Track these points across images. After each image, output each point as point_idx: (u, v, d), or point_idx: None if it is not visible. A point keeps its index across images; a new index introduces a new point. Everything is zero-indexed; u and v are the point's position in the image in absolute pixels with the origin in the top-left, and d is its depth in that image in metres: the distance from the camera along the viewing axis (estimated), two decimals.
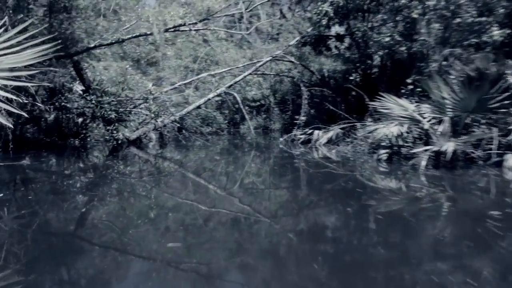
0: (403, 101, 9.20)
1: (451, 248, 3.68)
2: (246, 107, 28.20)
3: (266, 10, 32.82)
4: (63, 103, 11.22)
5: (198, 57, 22.01)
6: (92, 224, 4.49)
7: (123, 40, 10.40)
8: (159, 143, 13.41)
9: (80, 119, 11.71)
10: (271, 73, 22.31)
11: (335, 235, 4.27)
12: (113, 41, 10.36)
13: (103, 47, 10.87)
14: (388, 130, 8.58)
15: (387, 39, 11.62)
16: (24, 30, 7.10)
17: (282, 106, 16.50)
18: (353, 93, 13.32)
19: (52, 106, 11.30)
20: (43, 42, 9.48)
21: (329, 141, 12.15)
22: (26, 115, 6.30)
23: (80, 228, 4.30)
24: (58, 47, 9.99)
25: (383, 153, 8.48)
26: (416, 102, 9.49)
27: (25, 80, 5.37)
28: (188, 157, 10.91)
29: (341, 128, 11.94)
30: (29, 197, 5.55)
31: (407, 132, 8.68)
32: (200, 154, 11.53)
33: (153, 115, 10.93)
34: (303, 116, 13.43)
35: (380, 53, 11.95)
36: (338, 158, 9.80)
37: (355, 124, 11.33)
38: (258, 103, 27.75)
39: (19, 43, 5.01)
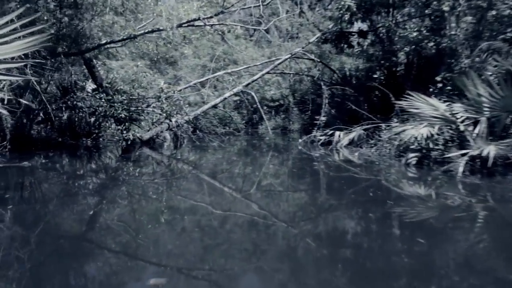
0: (433, 100, 8.41)
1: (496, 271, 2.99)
2: (265, 107, 27.58)
3: (285, 8, 32.20)
4: (75, 102, 10.83)
5: (216, 56, 21.48)
6: (99, 232, 3.97)
7: (135, 37, 9.92)
8: (173, 143, 12.91)
9: (93, 118, 11.29)
10: (291, 72, 21.65)
11: (357, 245, 3.74)
12: (125, 38, 9.90)
13: (115, 43, 10.41)
14: (417, 131, 7.81)
15: (414, 34, 10.83)
16: (32, 24, 6.65)
17: (302, 106, 15.83)
18: (377, 92, 12.56)
19: (64, 105, 10.93)
20: (49, 39, 9.11)
21: (351, 143, 11.42)
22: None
23: (86, 235, 3.79)
24: (65, 43, 9.67)
25: (412, 157, 7.72)
26: (446, 101, 8.70)
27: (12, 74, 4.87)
28: (202, 158, 10.37)
29: (364, 129, 11.19)
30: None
31: (438, 134, 7.89)
32: (215, 155, 10.98)
33: (166, 114, 10.42)
34: (324, 116, 12.72)
35: (406, 49, 11.14)
36: (361, 161, 9.08)
37: (380, 125, 10.57)
38: (277, 103, 27.08)
39: (11, 32, 4.49)
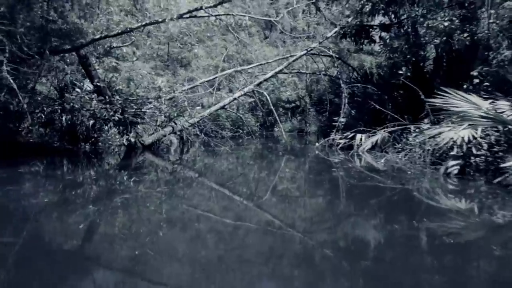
0: (474, 97, 7.07)
1: None
2: (281, 109, 26.39)
3: (302, 8, 30.98)
4: (71, 104, 9.84)
5: (229, 56, 20.40)
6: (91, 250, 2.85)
7: (131, 30, 8.87)
8: (180, 147, 11.82)
9: (92, 121, 10.29)
10: (307, 72, 20.40)
11: (384, 274, 2.80)
12: (120, 31, 8.85)
13: (110, 38, 9.38)
14: (457, 134, 6.49)
15: (446, 24, 9.48)
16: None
17: (319, 107, 14.58)
18: (401, 90, 11.23)
19: (60, 107, 9.96)
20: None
21: (374, 147, 10.13)
22: None
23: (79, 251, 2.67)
24: (55, 38, 8.70)
25: (453, 166, 6.40)
26: (488, 98, 7.35)
27: None
28: (209, 164, 9.25)
29: (389, 132, 9.89)
30: None
31: (482, 137, 6.56)
32: (224, 160, 9.85)
33: (170, 116, 9.32)
34: (343, 117, 11.46)
35: (437, 41, 9.78)
36: (388, 168, 7.80)
37: (408, 126, 9.26)
38: (293, 104, 25.85)
39: None
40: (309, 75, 24.13)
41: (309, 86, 23.68)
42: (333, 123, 12.20)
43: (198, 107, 11.43)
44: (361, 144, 10.38)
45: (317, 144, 11.61)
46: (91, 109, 10.05)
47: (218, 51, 20.92)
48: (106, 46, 14.99)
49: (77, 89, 10.10)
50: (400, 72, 10.65)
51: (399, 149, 9.09)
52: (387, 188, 6.28)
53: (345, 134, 10.85)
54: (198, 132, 11.24)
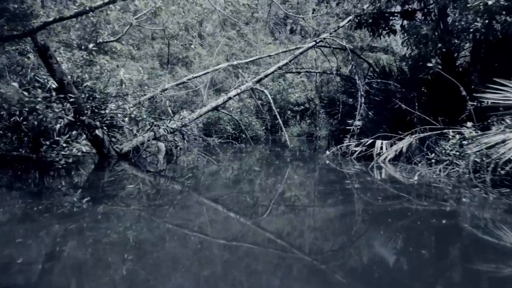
0: None
1: None
2: (289, 112, 24.40)
3: (312, 7, 29.06)
4: (32, 104, 8.00)
5: (233, 55, 18.50)
6: None
7: (92, 10, 6.94)
8: (168, 155, 9.88)
9: (58, 125, 8.42)
10: (317, 71, 18.38)
11: None
12: (79, 12, 6.96)
13: (65, 21, 7.53)
14: None
15: (490, 2, 7.42)
16: None
17: (330, 109, 12.55)
18: (430, 87, 9.16)
19: (18, 109, 8.12)
20: None
21: (398, 157, 8.08)
22: None
23: None
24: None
25: None
26: None
27: None
28: (199, 177, 7.30)
29: (418, 139, 7.84)
30: None
31: None
32: (217, 172, 7.89)
33: (137, 118, 7.32)
34: (359, 120, 9.43)
35: (477, 24, 7.71)
36: (421, 187, 5.76)
37: (444, 131, 7.19)
38: (302, 107, 23.83)
39: None
40: (319, 75, 22.13)
41: (319, 87, 21.65)
42: (347, 127, 10.18)
43: (183, 111, 9.41)
44: (382, 153, 8.35)
45: (327, 152, 9.57)
46: (56, 110, 8.20)
47: (220, 50, 19.02)
48: (92, 39, 13.24)
49: (40, 87, 8.26)
50: (430, 64, 8.58)
51: (433, 160, 7.03)
52: (429, 219, 4.25)
53: (362, 141, 8.81)
54: (189, 137, 9.22)
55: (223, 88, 18.61)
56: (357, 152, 8.79)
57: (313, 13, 28.05)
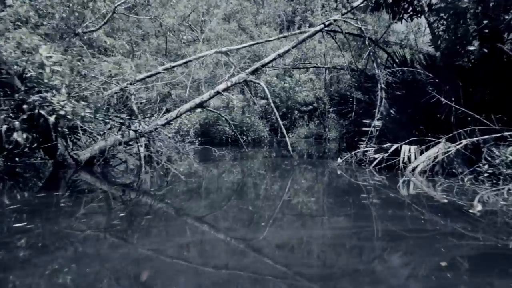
0: None
1: None
2: (296, 112, 22.39)
3: (321, 3, 27.06)
4: None
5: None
6: None
7: None
8: (145, 162, 7.98)
9: (5, 126, 6.59)
10: (326, 66, 16.42)
11: None
12: None
13: None
14: None
15: None
16: None
17: (341, 108, 10.56)
18: (472, 77, 7.11)
19: None
20: None
21: (432, 167, 6.08)
22: None
23: None
24: None
25: None
26: None
27: None
28: (174, 192, 5.40)
29: (457, 143, 5.82)
30: None
31: None
32: (201, 187, 6.00)
33: (64, 116, 5.29)
34: (378, 119, 7.43)
35: None
36: (492, 218, 3.76)
37: (502, 134, 5.17)
38: (310, 106, 21.83)
39: None
40: (328, 72, 20.10)
41: (329, 84, 19.65)
42: (363, 128, 8.19)
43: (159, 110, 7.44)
44: (410, 161, 6.36)
45: (339, 159, 7.56)
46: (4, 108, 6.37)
47: (222, 44, 17.10)
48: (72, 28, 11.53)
49: None
50: (471, 48, 6.55)
51: (485, 173, 5.02)
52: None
53: (384, 146, 6.81)
54: (152, 143, 7.19)
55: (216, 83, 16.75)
56: (376, 160, 6.79)
57: (322, 9, 26.09)
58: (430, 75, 6.74)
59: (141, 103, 6.81)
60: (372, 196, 4.83)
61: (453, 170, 5.76)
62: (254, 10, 22.52)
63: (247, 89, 8.33)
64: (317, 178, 6.88)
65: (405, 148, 6.45)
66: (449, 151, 5.79)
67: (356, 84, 10.54)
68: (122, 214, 3.90)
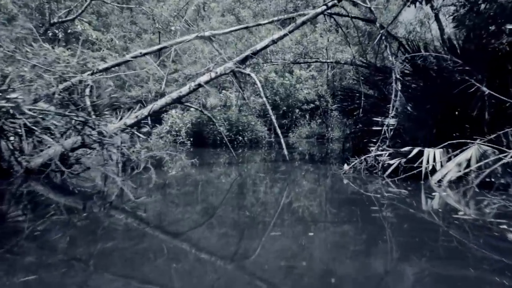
0: None
1: None
2: (297, 110, 21.04)
3: None
4: None
5: (227, 43, 15.25)
6: None
7: None
8: (119, 168, 6.68)
9: None
10: (329, 61, 15.07)
11: None
12: None
13: None
14: None
15: None
16: None
17: (347, 104, 9.22)
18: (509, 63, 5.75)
19: None
20: None
21: (464, 176, 4.76)
22: None
23: None
24: None
25: None
26: None
27: None
28: (141, 208, 4.08)
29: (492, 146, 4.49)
30: None
31: None
32: (177, 199, 4.70)
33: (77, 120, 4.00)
34: (393, 116, 6.10)
35: None
36: None
37: None
38: (311, 105, 20.49)
39: None
40: (331, 68, 18.76)
41: (331, 81, 18.31)
42: (373, 128, 6.87)
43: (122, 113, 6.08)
44: (434, 169, 5.03)
45: (345, 166, 6.21)
46: None
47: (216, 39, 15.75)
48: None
49: None
50: (509, 26, 5.21)
51: None
52: None
53: (402, 150, 5.47)
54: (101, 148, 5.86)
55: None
56: (392, 167, 5.45)
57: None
58: (460, 61, 5.39)
59: (89, 96, 5.48)
60: (390, 216, 3.51)
61: (496, 181, 4.42)
62: (254, 4, 21.21)
63: (236, 83, 6.94)
64: (319, 192, 5.53)
65: (428, 152, 5.12)
66: (483, 155, 4.46)
67: (363, 78, 9.18)
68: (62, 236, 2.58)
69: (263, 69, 15.64)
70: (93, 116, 5.37)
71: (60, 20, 10.19)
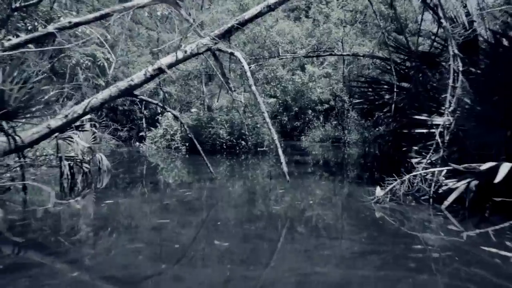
0: None
1: None
2: (310, 111, 18.88)
3: None
4: None
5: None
6: None
7: None
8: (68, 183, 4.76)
9: None
10: (345, 54, 12.89)
11: None
12: None
13: None
14: None
15: None
16: None
17: (372, 98, 7.02)
18: None
19: None
20: None
21: None
22: None
23: None
24: None
25: None
26: None
27: None
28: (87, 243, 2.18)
29: None
30: None
31: None
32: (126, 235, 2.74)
33: None
34: (451, 115, 3.97)
35: None
36: None
37: None
38: (326, 105, 18.28)
39: None
40: (346, 62, 16.54)
41: (347, 78, 16.06)
42: (412, 129, 4.74)
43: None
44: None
45: (378, 189, 4.01)
46: None
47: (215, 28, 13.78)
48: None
49: None
50: None
51: None
52: None
53: (471, 167, 3.35)
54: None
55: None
56: (456, 193, 3.33)
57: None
58: None
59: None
60: None
61: None
62: None
63: (218, 67, 4.90)
64: (339, 215, 3.41)
65: (506, 167, 2.99)
66: None
67: (387, 68, 6.97)
68: None
69: (271, 64, 13.64)
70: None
71: (22, 4, 8.36)
